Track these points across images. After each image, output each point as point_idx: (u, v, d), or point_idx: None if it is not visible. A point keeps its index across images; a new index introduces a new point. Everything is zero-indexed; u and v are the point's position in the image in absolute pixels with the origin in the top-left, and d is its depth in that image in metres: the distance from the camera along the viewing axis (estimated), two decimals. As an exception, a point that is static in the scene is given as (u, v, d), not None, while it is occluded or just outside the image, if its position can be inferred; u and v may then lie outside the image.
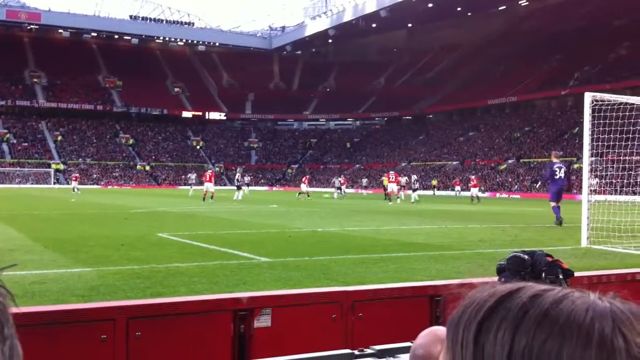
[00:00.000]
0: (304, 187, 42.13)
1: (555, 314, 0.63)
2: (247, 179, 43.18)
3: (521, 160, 65.91)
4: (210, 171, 36.67)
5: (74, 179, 51.68)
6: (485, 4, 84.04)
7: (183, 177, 79.88)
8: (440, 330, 1.49)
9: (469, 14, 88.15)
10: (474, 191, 39.16)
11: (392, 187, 37.24)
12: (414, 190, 37.94)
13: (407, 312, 4.10)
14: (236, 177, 38.19)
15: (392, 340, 3.37)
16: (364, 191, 60.24)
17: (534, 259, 2.31)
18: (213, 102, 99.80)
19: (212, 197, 33.80)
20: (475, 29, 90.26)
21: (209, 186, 34.41)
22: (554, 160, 17.89)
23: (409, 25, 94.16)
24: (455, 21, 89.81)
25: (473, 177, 42.48)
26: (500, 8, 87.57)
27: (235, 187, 38.25)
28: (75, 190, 47.83)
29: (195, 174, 49.10)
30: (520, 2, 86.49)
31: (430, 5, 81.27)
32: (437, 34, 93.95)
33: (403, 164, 76.38)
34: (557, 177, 17.34)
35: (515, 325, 0.64)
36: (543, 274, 2.24)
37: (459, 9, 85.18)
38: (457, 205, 32.94)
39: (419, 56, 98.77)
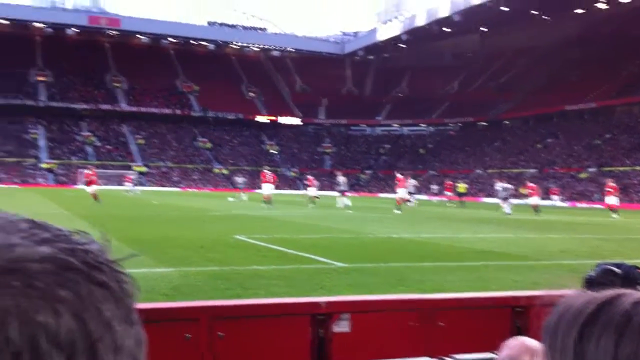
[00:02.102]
0: (312, 191, 35.37)
1: None
2: (342, 179, 34.99)
3: (602, 169, 63.64)
4: (268, 172, 31.77)
5: (126, 179, 51.60)
6: (562, 7, 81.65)
7: (257, 181, 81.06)
8: (528, 340, 1.49)
9: (545, 17, 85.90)
10: (534, 199, 33.95)
11: (402, 193, 31.41)
12: (505, 199, 34.10)
13: (487, 322, 4.06)
14: (341, 181, 34.64)
15: (471, 350, 3.35)
16: (434, 198, 54.12)
17: (624, 271, 2.26)
18: (287, 106, 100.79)
19: (269, 202, 29.93)
20: (552, 32, 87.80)
21: (267, 188, 30.52)
22: None
23: (483, 29, 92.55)
24: (530, 24, 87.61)
25: (531, 184, 37.49)
26: (577, 11, 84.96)
27: (338, 194, 34.91)
28: (132, 191, 47.42)
29: (243, 178, 44.74)
30: (598, 5, 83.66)
31: (504, 8, 79.66)
32: (511, 38, 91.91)
33: (478, 171, 75.02)
34: None
35: (619, 332, 0.62)
36: (638, 288, 2.19)
37: (534, 12, 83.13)
38: (535, 215, 32.07)
39: (493, 60, 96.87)
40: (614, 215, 29.89)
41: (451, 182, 43.31)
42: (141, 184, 75.69)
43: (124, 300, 0.52)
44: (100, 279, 0.50)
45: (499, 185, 34.32)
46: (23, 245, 0.47)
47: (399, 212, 28.38)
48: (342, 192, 33.92)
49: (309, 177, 38.03)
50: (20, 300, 0.44)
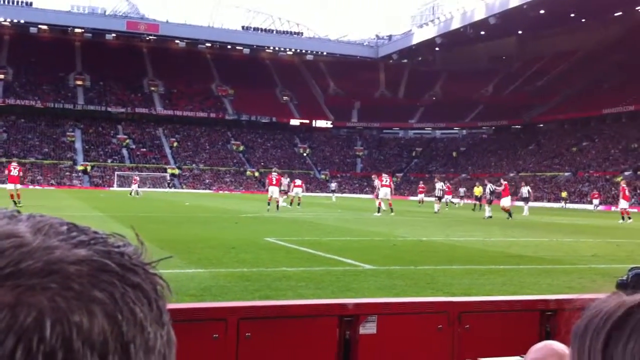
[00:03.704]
0: (297, 191, 33.76)
1: None
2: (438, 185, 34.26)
3: (639, 173, 62.44)
4: (275, 174, 29.80)
5: (133, 181, 50.73)
6: (600, 10, 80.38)
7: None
8: (555, 344, 1.46)
9: (583, 20, 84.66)
10: (505, 200, 32.48)
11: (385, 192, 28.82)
12: (526, 200, 34.60)
13: (515, 326, 4.02)
14: (376, 184, 31.41)
15: (500, 354, 3.32)
16: (459, 201, 52.44)
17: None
18: (320, 110, 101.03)
19: (277, 206, 28.41)
20: (590, 35, 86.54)
21: (274, 191, 28.80)
22: None
23: (519, 32, 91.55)
24: (568, 28, 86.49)
25: (504, 182, 36.73)
26: (616, 14, 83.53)
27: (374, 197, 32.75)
28: (134, 193, 46.95)
29: (288, 179, 43.39)
30: (637, 8, 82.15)
31: (542, 11, 78.72)
32: (548, 41, 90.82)
33: (511, 174, 74.20)
34: None
35: None
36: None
37: (572, 15, 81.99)
38: (569, 218, 31.63)
39: (530, 64, 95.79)
40: (621, 221, 28.71)
41: (449, 186, 43.10)
42: (174, 186, 76.70)
43: (156, 301, 0.53)
44: (134, 281, 0.51)
45: (439, 185, 33.98)
46: (61, 248, 0.49)
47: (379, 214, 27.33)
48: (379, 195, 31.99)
49: (296, 179, 36.63)
50: (56, 301, 0.46)
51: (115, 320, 0.48)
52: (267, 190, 29.39)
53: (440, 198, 34.26)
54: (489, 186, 30.96)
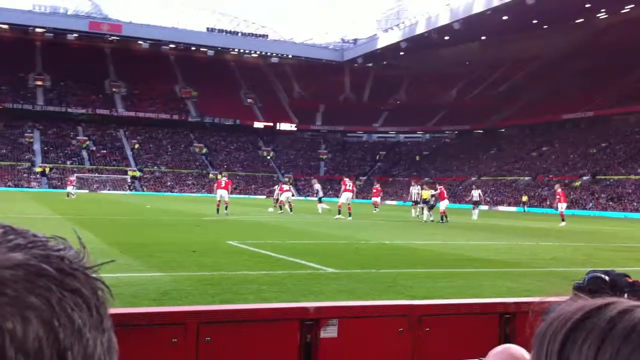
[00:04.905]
0: (285, 196, 32.57)
1: None
2: (317, 186, 34.24)
3: (597, 177, 63.80)
4: (225, 178, 29.86)
5: (69, 182, 49.13)
6: (562, 17, 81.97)
7: (253, 186, 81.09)
8: (514, 348, 1.46)
9: (545, 27, 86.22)
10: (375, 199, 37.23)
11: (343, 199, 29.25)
12: (476, 203, 34.77)
13: (475, 329, 4.04)
14: (316, 188, 34.11)
15: (460, 357, 3.33)
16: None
17: (612, 278, 2.25)
18: (284, 113, 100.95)
19: (226, 208, 27.97)
20: (551, 42, 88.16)
21: (223, 194, 28.60)
22: None
23: (483, 37, 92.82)
24: (530, 34, 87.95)
25: (376, 186, 39.19)
26: (577, 21, 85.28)
27: (317, 200, 34.23)
28: (70, 195, 45.63)
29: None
30: (598, 15, 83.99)
31: (505, 17, 79.91)
32: (511, 47, 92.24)
33: (473, 178, 75.17)
34: None
35: (601, 339, 0.63)
36: (625, 295, 2.18)
37: (534, 21, 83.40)
38: (528, 222, 32.14)
39: (492, 69, 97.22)
40: (563, 223, 29.09)
41: (377, 187, 42.55)
42: (135, 189, 75.83)
43: (97, 307, 0.51)
44: (73, 286, 0.49)
45: (415, 190, 33.36)
46: None
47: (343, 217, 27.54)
48: (319, 199, 33.68)
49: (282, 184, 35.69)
50: None
51: (51, 327, 0.46)
52: (216, 194, 29.36)
53: (416, 202, 32.95)
54: (431, 191, 30.67)
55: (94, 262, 0.53)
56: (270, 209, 34.13)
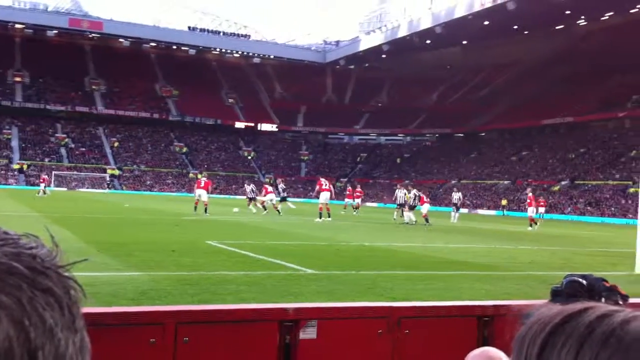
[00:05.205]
0: (269, 198, 32.30)
1: (622, 333, 0.62)
2: (281, 186, 33.14)
3: (575, 182, 64.49)
4: (205, 178, 29.73)
5: (41, 180, 48.51)
6: (543, 24, 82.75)
7: (234, 186, 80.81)
8: (492, 351, 1.46)
9: (526, 32, 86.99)
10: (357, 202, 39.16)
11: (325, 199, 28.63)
12: (455, 206, 34.74)
13: (454, 331, 4.05)
14: (280, 187, 33.72)
15: (438, 359, 3.34)
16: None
17: (589, 283, 2.26)
18: (266, 113, 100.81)
19: (206, 211, 27.45)
20: (532, 47, 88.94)
21: (201, 194, 28.44)
22: None
23: (464, 42, 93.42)
24: (511, 39, 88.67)
25: (359, 189, 40.95)
26: (557, 27, 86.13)
27: (278, 199, 33.40)
28: (41, 193, 45.08)
29: (252, 185, 38.39)
30: (578, 22, 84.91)
31: (486, 22, 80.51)
32: (492, 52, 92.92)
33: (453, 182, 75.60)
34: None
35: (580, 343, 0.63)
36: (602, 299, 2.19)
37: (515, 27, 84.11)
38: (507, 226, 32.38)
39: (473, 73, 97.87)
40: (530, 228, 28.96)
41: (351, 189, 42.79)
42: (114, 187, 75.22)
43: (69, 306, 0.51)
44: (45, 285, 0.49)
45: (400, 193, 32.34)
46: None
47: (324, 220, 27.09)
48: (284, 198, 33.24)
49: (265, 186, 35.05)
50: None
51: (22, 326, 0.46)
52: (195, 194, 29.58)
53: (402, 205, 31.40)
54: (414, 191, 30.05)
55: (68, 260, 0.53)
56: (236, 209, 33.60)
